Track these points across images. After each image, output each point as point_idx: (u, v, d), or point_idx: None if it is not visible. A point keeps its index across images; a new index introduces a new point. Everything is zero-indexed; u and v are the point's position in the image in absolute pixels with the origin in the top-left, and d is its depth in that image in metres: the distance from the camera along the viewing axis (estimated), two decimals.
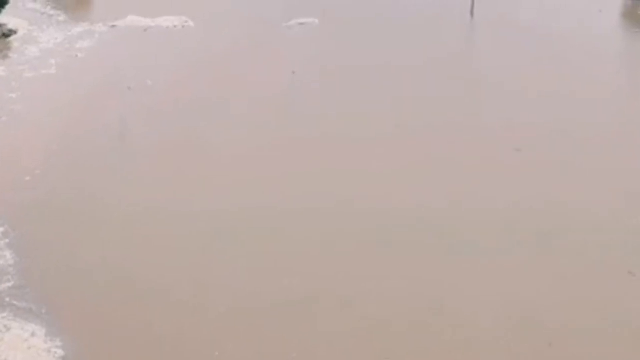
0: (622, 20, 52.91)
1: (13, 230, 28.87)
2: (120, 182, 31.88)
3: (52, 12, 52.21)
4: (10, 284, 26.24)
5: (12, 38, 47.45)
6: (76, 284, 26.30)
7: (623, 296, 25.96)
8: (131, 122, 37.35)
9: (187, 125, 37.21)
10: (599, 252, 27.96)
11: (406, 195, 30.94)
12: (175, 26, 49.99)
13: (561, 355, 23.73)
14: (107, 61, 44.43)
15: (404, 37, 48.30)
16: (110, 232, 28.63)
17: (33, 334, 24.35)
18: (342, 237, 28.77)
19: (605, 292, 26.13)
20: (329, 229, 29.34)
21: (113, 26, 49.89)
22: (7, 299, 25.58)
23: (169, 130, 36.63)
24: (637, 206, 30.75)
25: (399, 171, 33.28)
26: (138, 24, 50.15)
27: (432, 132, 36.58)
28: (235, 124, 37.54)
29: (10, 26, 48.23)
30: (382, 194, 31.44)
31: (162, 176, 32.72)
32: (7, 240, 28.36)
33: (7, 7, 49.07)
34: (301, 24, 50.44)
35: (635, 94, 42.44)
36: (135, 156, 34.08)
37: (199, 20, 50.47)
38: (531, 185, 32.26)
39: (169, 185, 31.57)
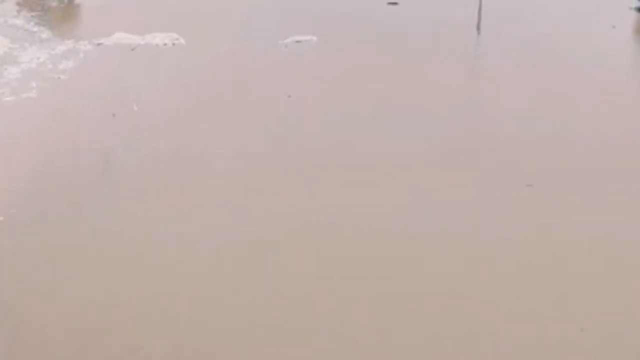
0: (636, 36, 50.90)
1: None
2: (101, 227, 29.72)
3: (35, 29, 50.21)
4: None
5: None
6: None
7: None
8: (114, 155, 35.22)
9: (175, 156, 35.11)
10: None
11: (409, 249, 28.74)
12: (165, 44, 47.94)
13: None
14: (92, 83, 42.35)
15: (407, 54, 46.30)
16: (88, 289, 26.45)
17: None
18: (344, 281, 26.68)
19: None
20: (330, 271, 27.30)
21: (99, 44, 47.85)
22: None
23: (156, 164, 34.50)
24: None
25: (404, 210, 31.15)
26: (126, 42, 48.10)
27: (435, 162, 34.44)
28: (226, 154, 35.43)
29: None
30: (380, 231, 29.40)
31: (147, 217, 30.55)
32: None
33: None
34: (298, 41, 48.40)
35: None
36: (118, 195, 31.95)
37: (190, 37, 48.45)
38: (545, 226, 30.20)
39: (156, 231, 29.27)
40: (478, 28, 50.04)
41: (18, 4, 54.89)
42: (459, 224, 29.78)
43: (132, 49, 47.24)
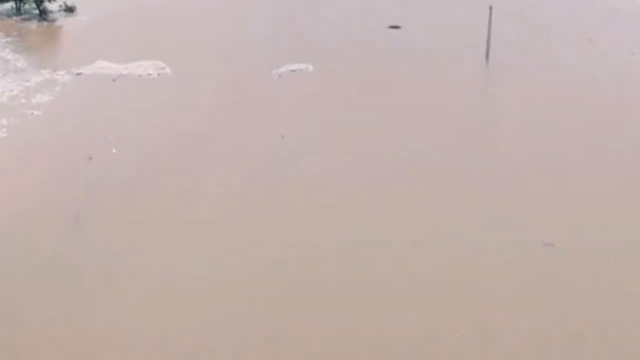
0: None
1: None
2: (70, 296, 26.67)
3: (10, 57, 47.32)
4: None
5: None
6: None
7: None
8: (88, 208, 32.19)
9: (156, 209, 32.13)
10: None
11: (417, 313, 25.75)
12: (149, 74, 44.99)
13: None
14: (67, 121, 39.37)
15: (412, 89, 43.28)
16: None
17: None
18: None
19: None
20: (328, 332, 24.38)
21: (78, 74, 44.97)
22: None
23: (135, 219, 31.44)
24: None
25: (409, 277, 28.15)
26: (107, 71, 45.20)
27: (443, 217, 31.44)
28: (211, 205, 32.43)
29: None
30: (381, 302, 26.42)
31: (125, 290, 27.50)
32: None
33: None
34: (293, 70, 45.47)
35: None
36: (90, 258, 28.91)
37: (177, 65, 45.53)
38: (565, 290, 27.21)
39: (134, 306, 26.18)
40: (487, 56, 47.07)
41: None
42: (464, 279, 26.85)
43: (114, 80, 44.33)
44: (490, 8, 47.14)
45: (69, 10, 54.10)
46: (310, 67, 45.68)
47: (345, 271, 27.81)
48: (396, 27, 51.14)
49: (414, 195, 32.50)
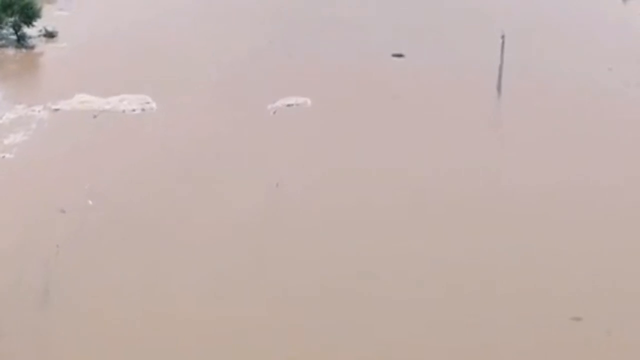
0: None
1: None
2: None
3: None
4: None
5: None
6: None
7: None
8: (60, 271, 29.07)
9: (136, 270, 29.10)
10: None
11: None
12: (133, 110, 41.83)
13: None
14: (41, 166, 36.18)
15: (418, 125, 40.23)
16: None
17: None
18: None
19: None
20: None
21: (56, 109, 41.80)
22: None
23: (113, 283, 28.38)
24: None
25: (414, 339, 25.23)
26: (88, 106, 42.06)
27: (453, 280, 28.49)
28: (198, 263, 29.49)
29: None
30: None
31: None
32: None
33: None
34: (289, 105, 42.34)
35: None
36: (61, 330, 25.83)
37: (163, 100, 42.36)
38: None
39: None
40: (499, 88, 43.95)
41: None
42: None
43: (95, 117, 41.18)
44: (503, 37, 44.10)
45: (50, 35, 50.94)
46: (309, 102, 42.59)
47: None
48: (400, 55, 47.97)
49: (423, 250, 29.54)
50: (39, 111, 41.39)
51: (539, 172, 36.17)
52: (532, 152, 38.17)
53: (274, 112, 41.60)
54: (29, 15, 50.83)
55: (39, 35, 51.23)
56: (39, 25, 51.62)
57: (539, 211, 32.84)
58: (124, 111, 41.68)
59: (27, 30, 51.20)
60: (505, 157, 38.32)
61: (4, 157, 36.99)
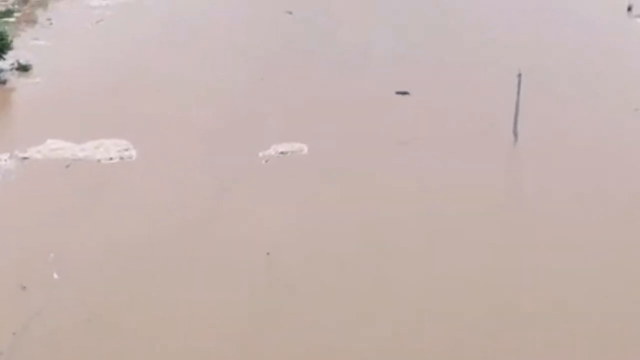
0: None
1: None
2: None
3: None
4: None
5: None
6: None
7: None
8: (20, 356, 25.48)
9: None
10: None
11: None
12: (110, 159, 38.14)
13: None
14: (2, 233, 32.38)
15: (428, 173, 36.65)
16: None
17: None
18: None
19: None
20: None
21: (24, 158, 38.14)
22: None
23: None
24: None
25: None
26: (60, 154, 38.42)
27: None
28: (183, 340, 25.90)
29: None
30: None
31: None
32: None
33: None
34: (283, 152, 38.63)
35: None
36: None
37: (144, 146, 38.70)
38: None
39: None
40: (515, 132, 40.24)
41: None
42: None
43: (67, 167, 37.50)
44: (519, 76, 40.38)
45: (23, 69, 47.22)
46: (305, 149, 38.93)
47: None
48: (404, 92, 44.22)
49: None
50: (6, 160, 37.77)
51: (557, 228, 32.74)
52: (551, 207, 34.74)
53: (266, 161, 37.90)
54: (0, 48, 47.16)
55: (12, 69, 47.47)
56: (12, 57, 47.85)
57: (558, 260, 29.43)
58: (99, 160, 37.99)
59: None
60: (520, 209, 34.91)
61: None
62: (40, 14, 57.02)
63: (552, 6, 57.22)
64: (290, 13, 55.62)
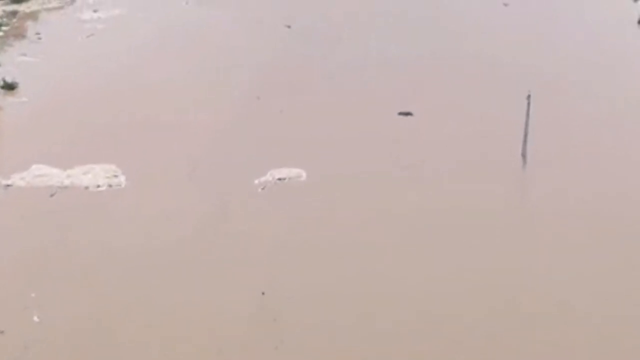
0: None
1: None
2: None
3: None
4: None
5: None
6: None
7: None
8: None
9: None
10: None
11: None
12: (98, 186, 36.42)
13: None
14: None
15: (434, 198, 34.97)
16: None
17: None
18: None
19: None
20: None
21: (8, 185, 36.48)
22: None
23: None
24: None
25: None
26: (45, 181, 36.70)
27: None
28: None
29: None
30: None
31: None
32: None
33: None
34: (281, 179, 36.88)
35: None
36: None
37: (134, 172, 37.01)
38: None
39: None
40: (524, 155, 38.52)
41: None
42: None
43: (52, 195, 35.76)
44: (529, 97, 38.63)
45: (9, 87, 45.49)
46: (303, 174, 37.19)
47: None
48: (407, 113, 42.44)
49: None
50: None
51: (568, 256, 31.07)
52: (561, 233, 33.19)
53: (263, 188, 36.16)
54: None
55: None
56: None
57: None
58: (87, 188, 36.25)
59: None
60: (529, 235, 33.23)
61: None
62: (30, 27, 55.30)
63: (560, 20, 55.43)
64: (289, 27, 53.83)
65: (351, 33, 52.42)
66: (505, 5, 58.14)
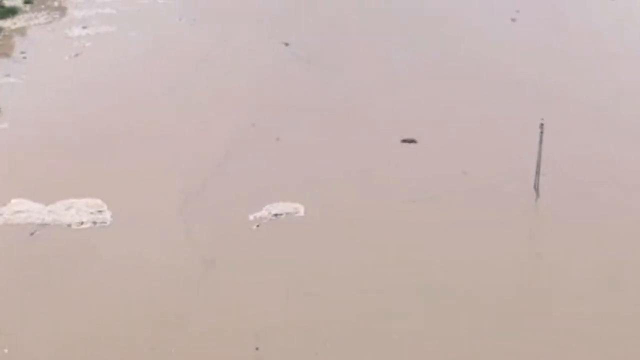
0: None
1: None
2: None
3: None
4: None
5: None
6: None
7: None
8: None
9: None
10: None
11: None
12: (81, 223, 34.29)
13: None
14: None
15: (440, 236, 32.98)
16: None
17: None
18: None
19: None
20: None
21: None
22: None
23: None
24: None
25: None
26: (24, 218, 34.54)
27: None
28: None
29: None
30: None
31: None
32: None
33: None
34: (277, 215, 34.80)
35: None
36: None
37: (119, 207, 34.85)
38: None
39: None
40: (536, 189, 36.43)
41: None
42: None
43: (31, 234, 33.65)
44: (542, 125, 36.54)
45: None
46: (301, 210, 35.07)
47: None
48: (411, 140, 40.37)
49: None
50: None
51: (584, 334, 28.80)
52: (578, 281, 31.14)
53: (257, 226, 34.07)
54: None
55: None
56: None
57: None
58: (69, 225, 34.12)
59: None
60: (542, 282, 31.27)
61: None
62: (16, 45, 53.31)
63: (572, 37, 53.54)
64: (287, 45, 51.80)
65: (352, 52, 50.49)
66: (513, 20, 56.34)
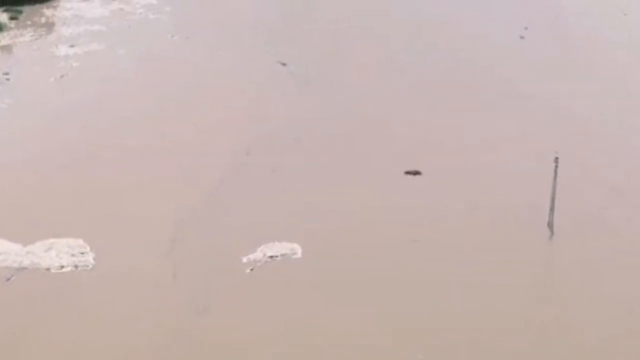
0: None
1: None
2: None
3: None
4: None
5: None
6: None
7: None
8: None
9: None
10: None
11: None
12: (62, 267, 32.16)
13: None
14: None
15: (444, 284, 30.88)
16: None
17: None
18: None
19: None
20: None
21: None
22: None
23: None
24: None
25: None
26: (1, 261, 32.31)
27: None
28: None
29: None
30: None
31: None
32: None
33: None
34: (272, 257, 32.66)
35: None
36: None
37: (102, 249, 32.74)
38: None
39: None
40: (550, 226, 34.32)
41: None
42: None
43: (8, 279, 31.55)
44: (556, 159, 34.45)
45: None
46: (298, 251, 32.98)
47: None
48: (415, 172, 38.20)
49: None
50: None
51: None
52: (593, 319, 29.25)
53: (251, 269, 31.94)
54: None
55: None
56: None
57: None
58: (48, 269, 31.98)
59: None
60: (557, 320, 29.39)
61: None
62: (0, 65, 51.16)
63: (580, 55, 51.47)
64: (284, 65, 49.70)
65: (353, 73, 48.38)
66: (522, 38, 54.31)
